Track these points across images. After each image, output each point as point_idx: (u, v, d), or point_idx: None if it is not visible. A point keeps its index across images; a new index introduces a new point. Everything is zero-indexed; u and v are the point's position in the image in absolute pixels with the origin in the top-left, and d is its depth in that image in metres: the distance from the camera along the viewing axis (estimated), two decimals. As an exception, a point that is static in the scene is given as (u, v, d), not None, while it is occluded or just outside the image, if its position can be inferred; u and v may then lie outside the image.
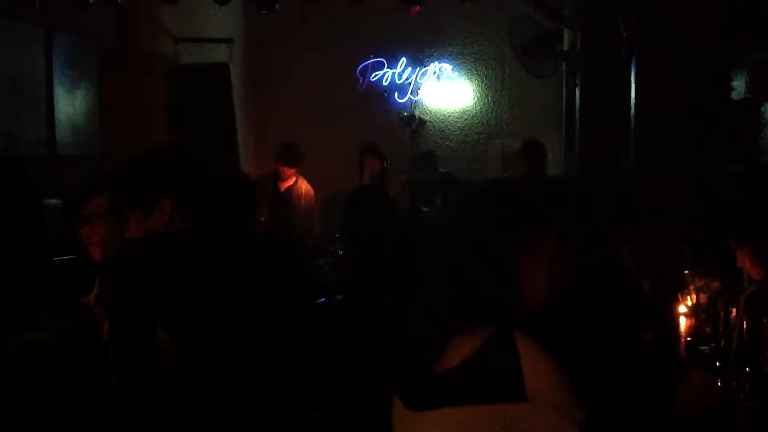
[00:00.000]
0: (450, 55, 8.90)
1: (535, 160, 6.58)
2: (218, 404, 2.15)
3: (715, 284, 3.35)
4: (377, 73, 8.85)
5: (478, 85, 8.89)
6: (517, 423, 1.44)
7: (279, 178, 6.85)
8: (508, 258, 1.61)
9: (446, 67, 8.84)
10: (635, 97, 5.82)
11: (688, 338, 3.26)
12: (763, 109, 5.17)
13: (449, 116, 8.90)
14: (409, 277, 1.77)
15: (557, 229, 1.66)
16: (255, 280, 2.27)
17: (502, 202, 1.70)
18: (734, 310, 2.79)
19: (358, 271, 3.91)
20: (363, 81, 8.85)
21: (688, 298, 3.40)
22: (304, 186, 6.96)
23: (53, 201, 5.05)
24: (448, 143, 8.90)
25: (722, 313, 2.88)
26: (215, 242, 2.29)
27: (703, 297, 3.33)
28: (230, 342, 2.18)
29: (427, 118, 8.87)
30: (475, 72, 8.88)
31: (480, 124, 8.88)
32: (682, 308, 3.43)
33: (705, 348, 3.04)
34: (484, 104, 8.88)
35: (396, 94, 8.86)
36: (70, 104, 5.87)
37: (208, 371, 2.16)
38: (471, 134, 8.88)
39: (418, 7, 6.41)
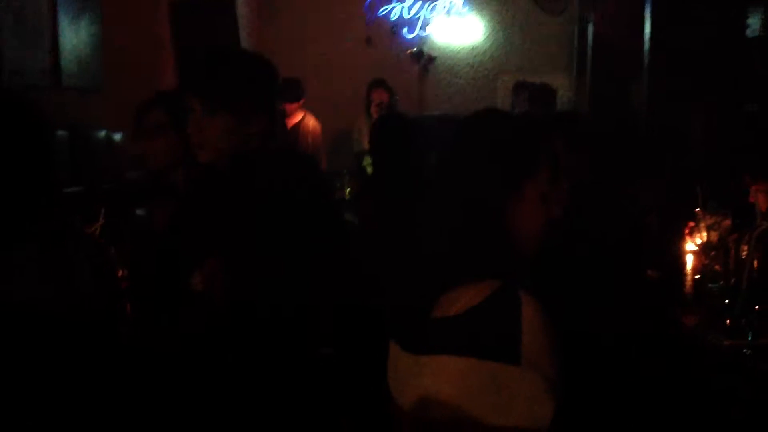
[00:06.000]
0: (460, -10, 8.73)
1: (523, 101, 6.44)
2: (231, 333, 2.14)
3: (726, 222, 3.32)
4: (386, 7, 8.69)
5: (488, 21, 8.73)
6: (506, 383, 1.42)
7: (285, 115, 6.79)
8: (495, 198, 1.54)
9: (456, 2, 8.67)
10: (649, 35, 5.71)
11: (697, 276, 3.25)
12: (778, 47, 5.07)
13: (459, 52, 8.77)
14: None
15: (546, 164, 1.59)
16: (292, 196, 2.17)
17: (483, 138, 1.60)
18: (745, 247, 2.76)
19: (374, 207, 3.80)
20: (371, 16, 8.70)
21: (698, 236, 3.38)
22: (312, 122, 6.90)
23: (58, 132, 5.03)
24: (457, 80, 8.79)
25: (733, 251, 2.86)
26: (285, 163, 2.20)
27: (713, 235, 3.30)
28: (265, 260, 2.12)
29: (437, 55, 8.74)
30: (485, 7, 8.71)
31: (490, 60, 8.76)
32: (690, 246, 3.41)
33: (714, 285, 3.04)
34: (494, 40, 8.73)
35: (405, 29, 8.71)
36: (74, 35, 5.79)
37: (236, 298, 2.12)
38: (481, 71, 8.76)
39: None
